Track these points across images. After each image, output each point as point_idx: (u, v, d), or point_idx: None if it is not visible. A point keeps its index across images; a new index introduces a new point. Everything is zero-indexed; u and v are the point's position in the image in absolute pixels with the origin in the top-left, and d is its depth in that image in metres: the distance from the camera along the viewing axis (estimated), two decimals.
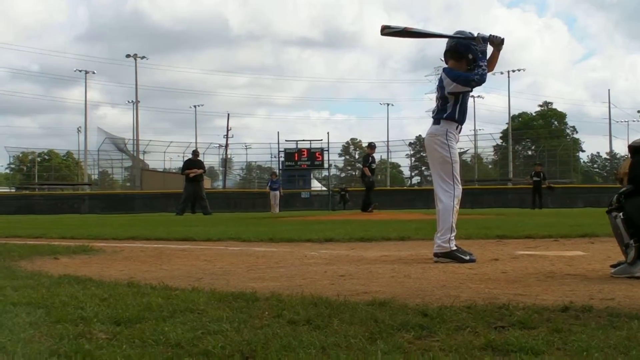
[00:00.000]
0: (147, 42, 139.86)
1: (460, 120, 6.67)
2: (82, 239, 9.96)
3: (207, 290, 4.19)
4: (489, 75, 6.66)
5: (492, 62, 6.74)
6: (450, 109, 6.60)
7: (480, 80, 6.50)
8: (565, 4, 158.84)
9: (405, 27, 6.59)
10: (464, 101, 6.66)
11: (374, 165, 23.65)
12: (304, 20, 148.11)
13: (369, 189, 23.26)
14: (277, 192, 35.11)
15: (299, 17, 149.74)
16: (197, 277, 5.25)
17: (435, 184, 6.65)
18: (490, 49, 6.66)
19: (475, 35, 6.58)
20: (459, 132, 6.74)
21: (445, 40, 6.74)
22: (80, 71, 70.68)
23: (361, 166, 25.04)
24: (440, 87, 6.66)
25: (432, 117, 6.81)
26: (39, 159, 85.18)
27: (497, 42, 6.64)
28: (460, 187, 6.63)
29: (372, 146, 24.09)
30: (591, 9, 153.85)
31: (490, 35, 6.60)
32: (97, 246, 8.32)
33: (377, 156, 38.10)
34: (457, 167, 6.61)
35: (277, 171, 48.36)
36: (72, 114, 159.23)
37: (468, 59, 6.58)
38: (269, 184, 36.51)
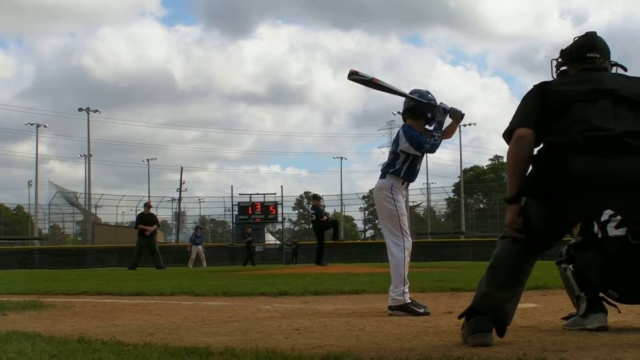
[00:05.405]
0: (94, 97, 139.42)
1: (407, 178, 6.71)
2: (31, 294, 9.76)
3: (160, 346, 4.13)
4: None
5: (450, 131, 6.88)
6: (399, 165, 6.65)
7: (431, 150, 6.61)
8: (500, 64, 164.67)
9: (373, 78, 6.62)
10: (414, 162, 6.71)
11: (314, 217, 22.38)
12: (249, 75, 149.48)
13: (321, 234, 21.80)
14: (200, 247, 34.64)
15: (243, 73, 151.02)
16: (149, 332, 5.18)
17: (386, 237, 6.68)
18: (449, 120, 6.77)
19: (438, 103, 6.68)
20: (406, 188, 6.80)
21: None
22: (31, 124, 69.58)
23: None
24: (396, 142, 6.73)
25: (381, 170, 6.87)
26: None
27: (457, 117, 6.76)
28: (410, 239, 6.67)
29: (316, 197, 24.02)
30: (522, 70, 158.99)
31: (452, 108, 6.70)
32: (48, 301, 8.16)
33: (330, 210, 37.75)
34: (404, 220, 6.64)
35: (232, 224, 47.89)
36: (21, 168, 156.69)
37: (427, 117, 6.69)
38: (193, 238, 35.71)
